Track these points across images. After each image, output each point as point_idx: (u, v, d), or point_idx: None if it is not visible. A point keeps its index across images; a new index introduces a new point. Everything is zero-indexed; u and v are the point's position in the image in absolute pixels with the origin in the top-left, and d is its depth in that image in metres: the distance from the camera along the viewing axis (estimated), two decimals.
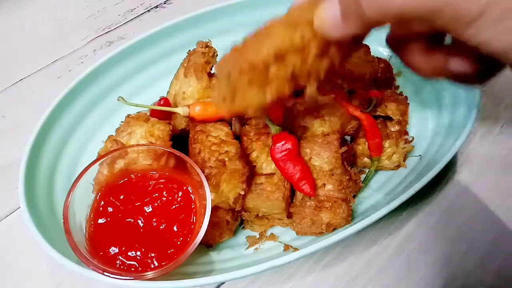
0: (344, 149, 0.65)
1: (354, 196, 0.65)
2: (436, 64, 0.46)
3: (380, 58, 0.81)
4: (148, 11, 1.11)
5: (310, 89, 0.47)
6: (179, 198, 0.60)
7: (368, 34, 0.44)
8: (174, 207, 0.59)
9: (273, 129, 0.66)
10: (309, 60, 0.44)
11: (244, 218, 0.66)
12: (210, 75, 0.69)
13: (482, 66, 0.44)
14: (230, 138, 0.64)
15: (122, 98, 0.68)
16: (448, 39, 0.46)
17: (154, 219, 0.58)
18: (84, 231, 0.59)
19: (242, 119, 0.70)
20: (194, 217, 0.59)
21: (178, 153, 0.62)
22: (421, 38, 0.46)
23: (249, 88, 0.47)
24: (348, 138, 0.74)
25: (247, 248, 0.65)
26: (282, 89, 0.47)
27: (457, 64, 0.44)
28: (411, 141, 0.72)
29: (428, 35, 0.45)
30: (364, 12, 0.39)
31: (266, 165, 0.64)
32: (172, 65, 0.75)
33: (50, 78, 0.96)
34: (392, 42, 0.49)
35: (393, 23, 0.43)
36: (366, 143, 0.69)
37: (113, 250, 0.56)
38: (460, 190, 0.71)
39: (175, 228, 0.58)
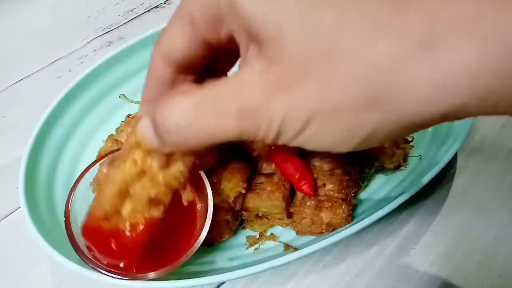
0: None
1: (354, 196, 0.65)
2: None
3: None
4: (148, 11, 1.11)
5: (186, 195, 0.49)
6: (179, 198, 0.60)
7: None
8: (174, 207, 0.59)
9: None
10: (156, 177, 0.42)
11: (244, 218, 0.66)
12: None
13: None
14: None
15: (124, 95, 0.68)
16: None
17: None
18: None
19: None
20: (195, 217, 0.59)
21: None
22: None
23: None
24: None
25: (247, 248, 0.65)
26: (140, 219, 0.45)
27: None
28: (411, 141, 0.72)
29: None
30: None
31: (266, 165, 0.64)
32: None
33: (50, 78, 0.96)
34: None
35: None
36: None
37: None
38: (460, 190, 0.71)
39: (175, 228, 0.58)
